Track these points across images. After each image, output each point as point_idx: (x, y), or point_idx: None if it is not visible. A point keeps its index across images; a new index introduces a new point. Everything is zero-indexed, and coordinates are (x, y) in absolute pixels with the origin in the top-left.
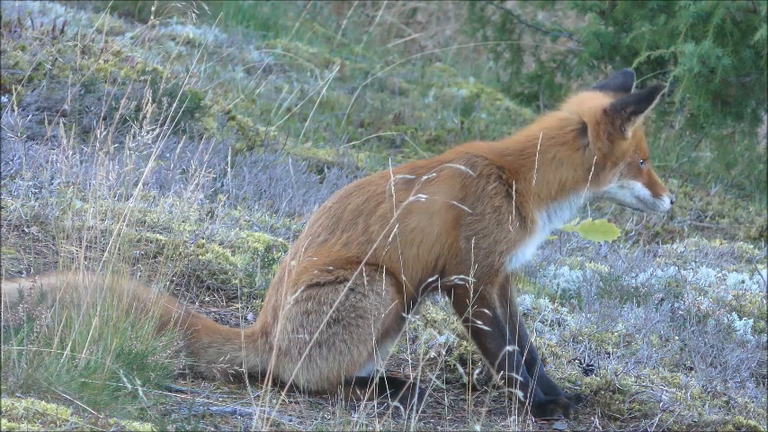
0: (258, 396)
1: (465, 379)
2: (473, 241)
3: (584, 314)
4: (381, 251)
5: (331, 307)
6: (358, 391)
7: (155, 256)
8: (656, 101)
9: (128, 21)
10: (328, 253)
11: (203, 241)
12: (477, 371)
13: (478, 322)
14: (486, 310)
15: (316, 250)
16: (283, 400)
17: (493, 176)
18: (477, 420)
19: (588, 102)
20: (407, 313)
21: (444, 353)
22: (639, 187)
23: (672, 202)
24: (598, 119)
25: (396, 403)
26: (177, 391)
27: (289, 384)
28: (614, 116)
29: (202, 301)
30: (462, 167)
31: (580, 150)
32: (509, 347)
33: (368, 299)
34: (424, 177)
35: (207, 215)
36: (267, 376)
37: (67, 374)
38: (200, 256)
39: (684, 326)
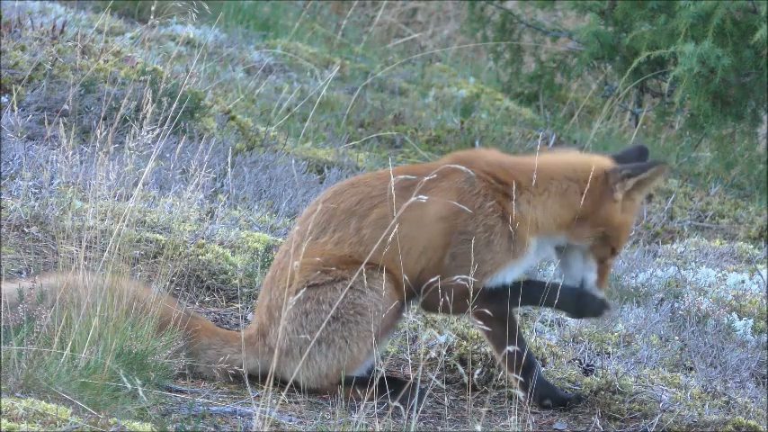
0: (258, 396)
1: (465, 379)
2: (460, 258)
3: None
4: (379, 253)
5: (330, 306)
6: (358, 391)
7: (155, 256)
8: (655, 173)
9: (128, 21)
10: (321, 252)
11: (203, 241)
12: (477, 371)
13: (479, 322)
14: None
15: (307, 249)
16: (283, 401)
17: (489, 195)
18: (478, 420)
19: (599, 161)
20: (404, 312)
21: (444, 353)
22: (593, 269)
23: (605, 306)
24: (597, 175)
25: (396, 403)
26: (177, 391)
27: (290, 384)
28: (611, 175)
29: (202, 302)
30: (463, 173)
31: (584, 197)
32: (509, 347)
33: (366, 296)
34: (421, 183)
35: (207, 215)
36: (268, 377)
37: (67, 374)
38: (200, 256)
39: (684, 326)
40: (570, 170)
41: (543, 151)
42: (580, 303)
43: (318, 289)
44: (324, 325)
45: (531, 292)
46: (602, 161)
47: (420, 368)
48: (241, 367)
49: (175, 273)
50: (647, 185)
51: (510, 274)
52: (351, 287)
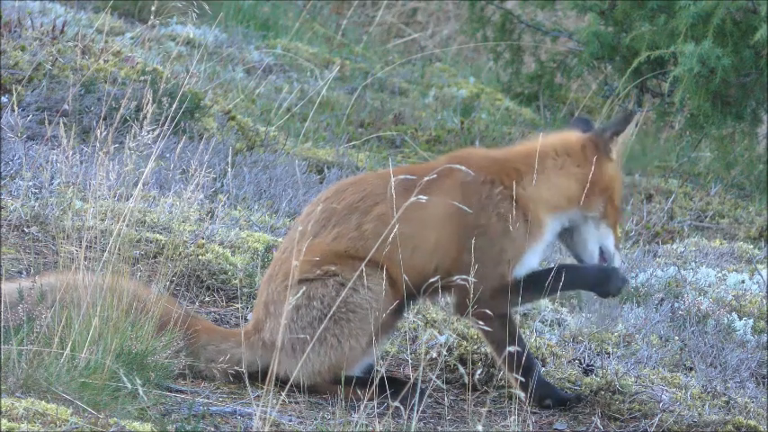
0: (258, 396)
1: (466, 379)
2: (479, 253)
3: (584, 314)
4: (379, 249)
5: (320, 302)
6: (358, 391)
7: (155, 256)
8: (633, 125)
9: (128, 21)
10: (318, 247)
11: (203, 241)
12: (477, 371)
13: (486, 326)
14: (496, 323)
15: (307, 246)
16: (283, 401)
17: (496, 182)
18: (478, 420)
19: (575, 134)
20: (405, 312)
21: (445, 353)
22: (609, 234)
23: (626, 281)
24: (585, 144)
25: (396, 403)
26: (177, 391)
27: (290, 384)
28: (598, 140)
29: (202, 301)
30: (463, 171)
31: (580, 169)
32: (510, 348)
33: (359, 294)
34: (422, 183)
35: (207, 215)
36: (269, 375)
37: (67, 374)
38: (200, 256)
39: (684, 326)
40: (559, 147)
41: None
42: (604, 279)
43: (310, 284)
44: (315, 322)
45: (560, 277)
46: (576, 133)
47: (421, 368)
48: (239, 364)
49: (175, 273)
50: (627, 139)
51: (533, 257)
52: (342, 284)
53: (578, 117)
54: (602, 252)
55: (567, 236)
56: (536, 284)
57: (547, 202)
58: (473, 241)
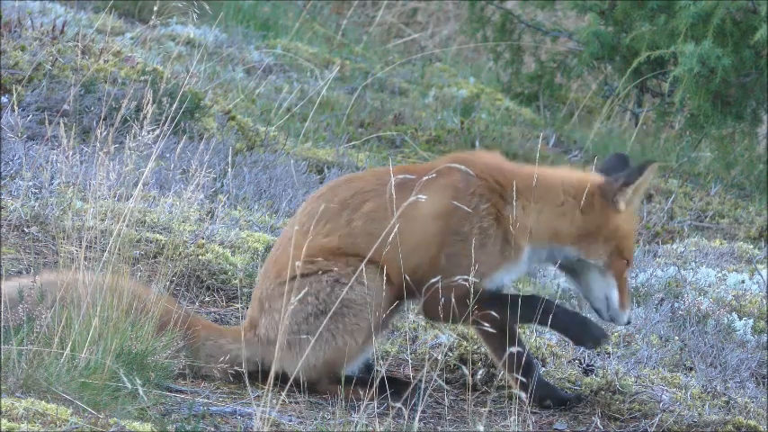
0: (258, 396)
1: (467, 379)
2: (455, 259)
3: (584, 314)
4: (368, 246)
5: (315, 297)
6: (359, 392)
7: (155, 256)
8: (648, 176)
9: (128, 21)
10: (312, 243)
11: (203, 241)
12: (479, 371)
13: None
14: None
15: (299, 241)
16: (283, 401)
17: (485, 196)
18: (479, 420)
19: (592, 177)
20: (401, 309)
21: (446, 352)
22: (614, 286)
23: (629, 322)
24: (593, 191)
25: (398, 404)
26: (177, 391)
27: (289, 384)
28: (607, 188)
29: (202, 302)
30: (461, 172)
31: (584, 213)
32: (511, 349)
33: (353, 290)
34: (420, 183)
35: (207, 215)
36: (269, 378)
37: (67, 374)
38: (200, 256)
39: (684, 326)
40: (568, 185)
41: (543, 151)
42: (581, 330)
43: (303, 280)
44: (311, 318)
45: (529, 308)
46: (595, 177)
47: (424, 370)
48: (237, 360)
49: (175, 273)
50: (644, 188)
51: (506, 276)
52: (337, 280)
53: (616, 154)
54: (608, 302)
55: (574, 275)
56: (503, 305)
57: (529, 233)
58: (451, 246)
